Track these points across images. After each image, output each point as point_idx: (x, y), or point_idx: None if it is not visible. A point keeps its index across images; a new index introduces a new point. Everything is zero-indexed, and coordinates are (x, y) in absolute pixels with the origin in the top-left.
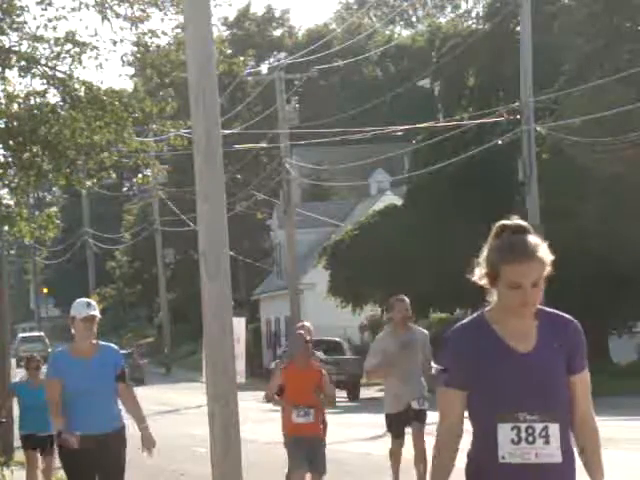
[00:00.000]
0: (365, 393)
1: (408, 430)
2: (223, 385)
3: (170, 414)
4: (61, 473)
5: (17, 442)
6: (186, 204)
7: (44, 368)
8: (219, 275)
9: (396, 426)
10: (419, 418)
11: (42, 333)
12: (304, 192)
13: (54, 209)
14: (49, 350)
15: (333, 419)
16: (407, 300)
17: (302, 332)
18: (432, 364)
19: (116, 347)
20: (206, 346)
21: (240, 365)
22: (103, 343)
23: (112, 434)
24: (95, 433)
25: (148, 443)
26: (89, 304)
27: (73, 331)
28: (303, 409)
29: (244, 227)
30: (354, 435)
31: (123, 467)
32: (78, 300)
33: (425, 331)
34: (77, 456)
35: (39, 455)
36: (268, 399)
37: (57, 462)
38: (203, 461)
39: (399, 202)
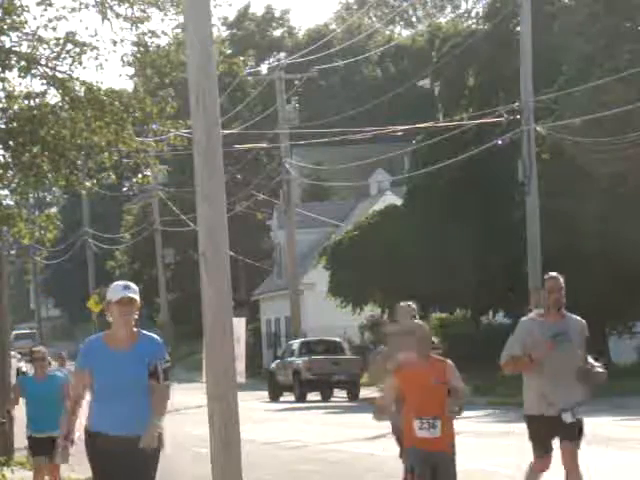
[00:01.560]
0: (365, 393)
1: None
2: (223, 385)
3: (170, 414)
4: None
5: (20, 443)
6: (186, 204)
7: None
8: (219, 275)
9: (541, 435)
10: (571, 434)
11: (33, 330)
12: (304, 192)
13: (54, 210)
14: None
15: (333, 419)
16: (561, 279)
17: (413, 305)
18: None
19: (158, 338)
20: (206, 346)
21: (240, 365)
22: (145, 333)
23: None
24: (125, 434)
25: (146, 438)
26: (127, 286)
27: (109, 318)
28: (428, 420)
29: (244, 227)
30: (354, 435)
31: (153, 474)
32: (115, 282)
33: (581, 319)
34: (106, 459)
35: (48, 459)
36: (383, 413)
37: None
38: (203, 461)
39: (399, 202)
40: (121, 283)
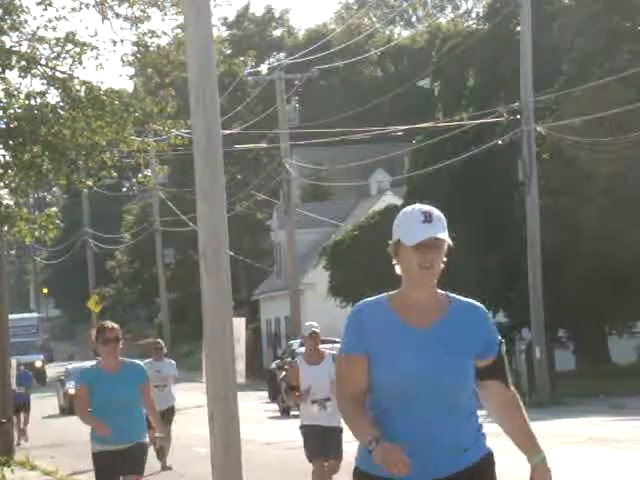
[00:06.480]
0: None
1: None
2: (223, 385)
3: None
4: None
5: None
6: (186, 204)
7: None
8: (219, 275)
9: None
10: None
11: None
12: (304, 192)
13: (54, 209)
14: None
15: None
16: None
17: None
18: None
19: (480, 305)
20: (206, 346)
21: (240, 365)
22: (456, 296)
23: (473, 467)
24: (432, 463)
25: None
26: (430, 216)
27: (399, 267)
28: None
29: (244, 227)
30: None
31: None
32: (406, 210)
33: None
34: None
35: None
36: None
37: None
38: (203, 461)
39: (399, 202)
40: (418, 211)
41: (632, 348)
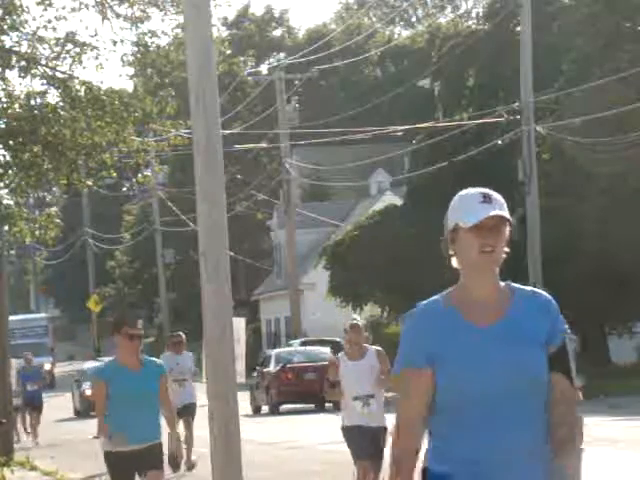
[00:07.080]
0: None
1: None
2: (223, 385)
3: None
4: None
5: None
6: (186, 204)
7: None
8: (219, 275)
9: None
10: None
11: None
12: (304, 192)
13: (54, 209)
14: None
15: (333, 419)
16: None
17: None
18: None
19: (544, 293)
20: (206, 346)
21: (240, 365)
22: (519, 286)
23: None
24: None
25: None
26: (489, 196)
27: (454, 257)
28: None
29: (244, 227)
30: None
31: None
32: (462, 193)
33: None
34: None
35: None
36: None
37: None
38: (203, 461)
39: (399, 202)
40: (475, 193)
41: (632, 348)
